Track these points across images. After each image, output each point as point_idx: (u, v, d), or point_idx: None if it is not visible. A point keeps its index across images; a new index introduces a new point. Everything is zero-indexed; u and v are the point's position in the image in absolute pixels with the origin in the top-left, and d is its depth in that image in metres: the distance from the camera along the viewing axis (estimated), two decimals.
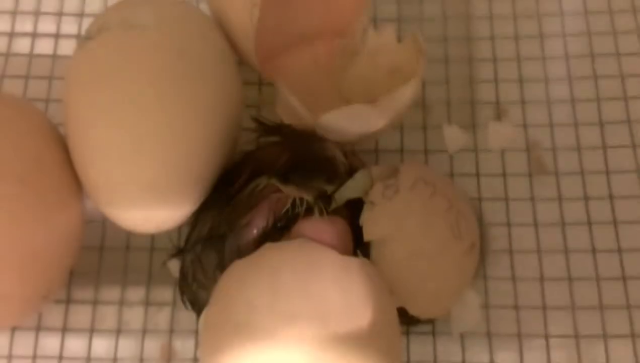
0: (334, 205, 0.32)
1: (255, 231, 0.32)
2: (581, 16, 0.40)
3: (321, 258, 0.29)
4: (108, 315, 0.34)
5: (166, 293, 0.35)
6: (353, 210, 0.32)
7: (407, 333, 0.34)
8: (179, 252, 0.33)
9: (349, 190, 0.32)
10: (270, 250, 0.30)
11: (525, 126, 0.38)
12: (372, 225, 0.31)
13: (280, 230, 0.32)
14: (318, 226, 0.31)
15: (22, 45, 0.40)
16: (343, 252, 0.30)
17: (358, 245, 0.31)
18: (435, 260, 0.31)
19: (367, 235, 0.31)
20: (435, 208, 0.32)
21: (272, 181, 0.31)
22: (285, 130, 0.34)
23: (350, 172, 0.32)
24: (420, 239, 0.31)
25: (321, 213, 0.31)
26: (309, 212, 0.31)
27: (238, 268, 0.30)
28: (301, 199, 0.31)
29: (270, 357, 0.27)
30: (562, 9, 0.40)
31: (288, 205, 0.31)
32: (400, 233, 0.31)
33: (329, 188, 0.32)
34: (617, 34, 0.39)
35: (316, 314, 0.28)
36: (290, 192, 0.31)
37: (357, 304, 0.28)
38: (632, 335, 0.33)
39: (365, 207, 0.31)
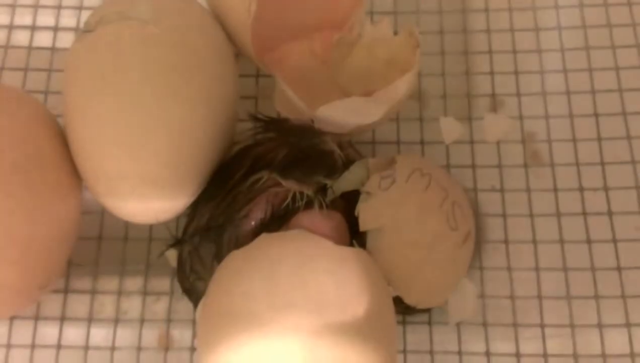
0: (330, 196, 0.32)
1: (253, 223, 0.32)
2: (576, 9, 0.40)
3: (317, 248, 0.29)
4: (106, 305, 0.35)
5: (164, 283, 0.35)
6: (349, 200, 0.32)
7: (403, 323, 0.34)
8: (177, 243, 0.34)
9: (346, 181, 0.32)
10: (267, 241, 0.30)
11: (521, 118, 0.38)
12: (369, 215, 0.31)
13: (278, 222, 0.32)
14: (315, 218, 0.31)
15: (21, 38, 0.40)
16: (339, 244, 0.30)
17: (354, 236, 0.32)
18: (431, 250, 0.31)
19: (364, 226, 0.31)
20: (431, 199, 0.32)
21: (274, 175, 0.31)
22: (283, 125, 0.34)
23: (347, 163, 0.32)
24: (416, 229, 0.31)
25: (321, 207, 0.31)
26: (308, 205, 0.32)
27: (235, 259, 0.30)
28: (301, 193, 0.31)
29: (267, 346, 0.27)
30: (557, 2, 0.40)
31: (288, 199, 0.31)
32: (396, 224, 0.31)
33: (329, 183, 0.32)
34: (613, 27, 0.39)
35: (312, 304, 0.28)
36: (291, 186, 0.31)
37: (353, 294, 0.28)
38: (627, 325, 0.34)
39: (362, 198, 0.31)
